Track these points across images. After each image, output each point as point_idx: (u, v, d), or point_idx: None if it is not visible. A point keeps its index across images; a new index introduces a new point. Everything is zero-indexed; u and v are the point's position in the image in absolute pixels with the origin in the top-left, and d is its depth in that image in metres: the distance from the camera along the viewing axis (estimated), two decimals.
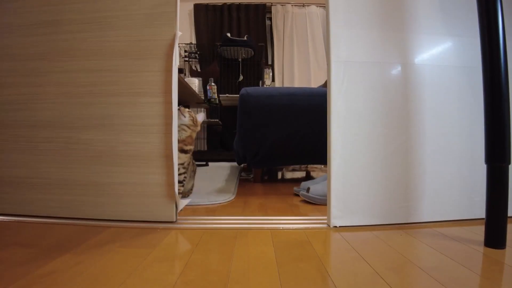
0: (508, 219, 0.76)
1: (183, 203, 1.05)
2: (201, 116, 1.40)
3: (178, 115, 1.12)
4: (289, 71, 3.54)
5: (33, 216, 1.03)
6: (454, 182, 1.02)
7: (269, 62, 3.65)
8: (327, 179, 0.98)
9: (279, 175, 2.48)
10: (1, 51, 1.07)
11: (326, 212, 0.98)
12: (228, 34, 3.25)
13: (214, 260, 0.70)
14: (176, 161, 0.99)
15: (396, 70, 1.00)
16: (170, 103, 0.99)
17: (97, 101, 1.02)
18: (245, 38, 3.20)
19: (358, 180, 0.97)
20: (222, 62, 3.42)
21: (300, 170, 2.68)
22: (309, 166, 2.59)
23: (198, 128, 1.36)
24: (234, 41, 3.17)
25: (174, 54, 0.99)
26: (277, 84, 3.53)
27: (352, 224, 0.96)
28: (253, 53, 3.31)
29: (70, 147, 1.03)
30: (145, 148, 1.00)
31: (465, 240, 0.82)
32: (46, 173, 1.05)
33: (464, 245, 0.78)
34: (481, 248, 0.76)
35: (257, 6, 3.58)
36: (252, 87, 1.97)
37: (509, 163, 0.75)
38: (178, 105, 1.04)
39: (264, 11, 3.62)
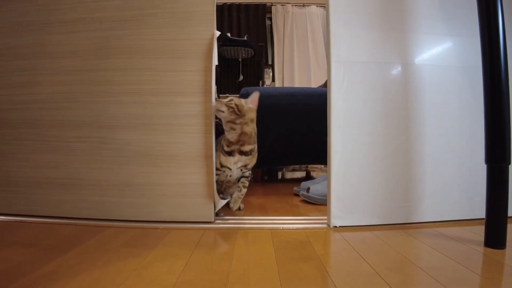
0: (508, 219, 0.76)
1: (221, 202, 1.04)
2: (251, 98, 1.04)
3: (215, 112, 1.01)
4: (289, 71, 3.53)
5: (63, 218, 1.01)
6: (454, 182, 1.02)
7: (269, 62, 3.65)
8: (327, 179, 0.98)
9: (279, 175, 2.48)
10: (32, 49, 1.05)
11: (326, 212, 0.98)
12: (228, 34, 3.24)
13: (216, 260, 0.70)
14: (214, 160, 0.99)
15: (396, 70, 1.00)
16: (210, 102, 0.99)
17: (134, 100, 1.01)
18: (245, 38, 3.20)
19: (358, 180, 0.97)
20: (222, 62, 3.42)
21: (300, 170, 2.68)
22: (309, 166, 2.59)
23: (250, 115, 1.03)
24: (234, 41, 3.17)
25: (213, 53, 0.98)
26: (277, 84, 3.52)
27: (352, 224, 0.96)
28: (253, 53, 3.31)
29: (104, 147, 1.01)
30: (184, 148, 0.99)
31: (465, 240, 0.82)
32: (78, 173, 1.02)
33: (464, 245, 0.78)
34: (481, 248, 0.76)
35: (257, 6, 3.57)
36: (252, 87, 1.97)
37: (509, 163, 0.75)
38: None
39: (264, 11, 3.61)
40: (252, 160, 1.09)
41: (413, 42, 1.01)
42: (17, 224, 0.98)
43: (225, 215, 1.09)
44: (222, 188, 1.12)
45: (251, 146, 1.06)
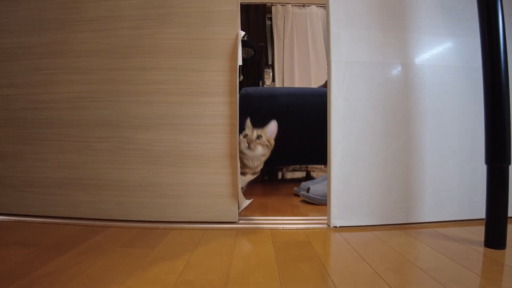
0: (508, 220, 0.76)
1: (246, 202, 1.04)
2: (271, 128, 1.12)
3: (243, 142, 1.07)
4: (289, 71, 3.54)
5: (84, 219, 1.00)
6: (455, 182, 1.02)
7: (269, 62, 3.65)
8: (327, 179, 0.98)
9: (279, 175, 2.48)
10: (52, 48, 1.03)
11: (326, 212, 0.98)
12: None
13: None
14: (238, 161, 0.99)
15: (397, 70, 1.00)
16: (235, 103, 0.98)
17: (156, 100, 1.00)
18: (245, 38, 3.20)
19: (358, 180, 0.97)
20: None
21: (300, 170, 2.68)
22: (309, 166, 2.59)
23: (272, 142, 1.14)
24: None
25: (238, 54, 0.98)
26: (277, 84, 3.53)
27: (352, 224, 0.96)
28: (253, 53, 3.31)
29: (126, 147, 1.00)
30: (208, 148, 0.98)
31: (465, 240, 0.82)
32: (99, 174, 1.01)
33: (464, 246, 0.78)
34: (481, 249, 0.76)
35: (257, 6, 3.58)
36: (253, 87, 1.97)
37: (509, 163, 0.75)
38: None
39: (264, 11, 3.61)
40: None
41: (413, 42, 1.01)
42: (17, 224, 0.98)
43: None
44: None
45: (262, 165, 1.13)
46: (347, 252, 0.74)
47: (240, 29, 0.99)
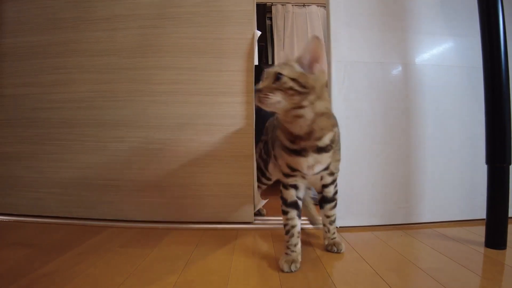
0: (509, 220, 0.76)
1: (262, 202, 1.03)
2: (310, 50, 0.67)
3: (266, 107, 0.60)
4: None
5: (103, 220, 0.98)
6: (455, 182, 1.01)
7: (269, 62, 3.65)
8: None
9: None
10: (67, 47, 1.03)
11: None
12: None
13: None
14: (255, 161, 0.97)
15: (397, 70, 1.00)
16: (252, 103, 0.98)
17: (174, 100, 0.99)
18: None
19: (358, 181, 0.97)
20: None
21: None
22: None
23: (321, 79, 0.64)
24: None
25: (255, 53, 0.97)
26: None
27: (352, 225, 0.95)
28: None
29: (145, 147, 0.99)
30: (226, 149, 0.98)
31: (465, 240, 0.82)
32: (117, 174, 1.00)
33: (465, 246, 0.78)
34: (482, 249, 0.75)
35: (257, 6, 3.57)
36: None
37: (509, 163, 0.75)
38: None
39: (264, 11, 3.61)
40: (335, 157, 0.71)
41: (413, 42, 1.01)
42: (18, 224, 0.97)
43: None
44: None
45: (331, 132, 0.65)
46: (347, 252, 0.74)
47: (256, 28, 0.99)
